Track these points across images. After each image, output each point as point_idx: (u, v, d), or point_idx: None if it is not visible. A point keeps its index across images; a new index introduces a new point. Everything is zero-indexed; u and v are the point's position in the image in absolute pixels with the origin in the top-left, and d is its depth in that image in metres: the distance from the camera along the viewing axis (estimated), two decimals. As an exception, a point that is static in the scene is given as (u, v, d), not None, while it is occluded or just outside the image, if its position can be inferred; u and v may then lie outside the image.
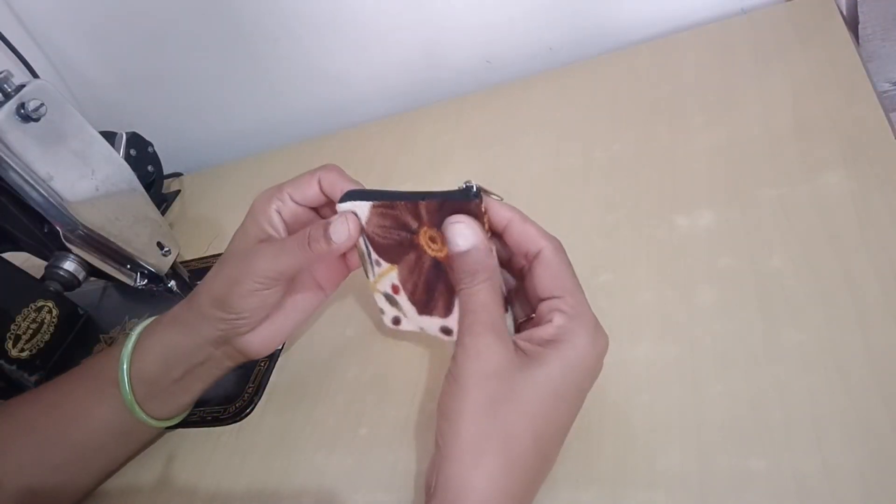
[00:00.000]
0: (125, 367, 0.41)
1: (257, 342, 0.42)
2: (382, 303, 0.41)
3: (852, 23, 0.53)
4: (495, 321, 0.32)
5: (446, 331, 0.38)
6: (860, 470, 0.29)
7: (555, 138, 0.56)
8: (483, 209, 0.33)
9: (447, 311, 0.37)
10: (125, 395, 0.41)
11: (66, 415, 0.43)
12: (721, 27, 0.57)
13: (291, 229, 0.41)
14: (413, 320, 0.40)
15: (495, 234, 0.34)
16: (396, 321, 0.41)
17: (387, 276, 0.39)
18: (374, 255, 0.38)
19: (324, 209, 0.42)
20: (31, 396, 0.45)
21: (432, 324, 0.38)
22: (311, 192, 0.40)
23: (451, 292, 0.36)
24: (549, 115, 0.59)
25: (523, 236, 0.34)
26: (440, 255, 0.35)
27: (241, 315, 0.40)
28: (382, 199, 0.36)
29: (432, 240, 0.35)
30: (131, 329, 0.43)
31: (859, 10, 0.52)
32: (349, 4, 0.67)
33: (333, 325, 0.50)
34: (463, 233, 0.33)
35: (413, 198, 0.34)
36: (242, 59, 0.74)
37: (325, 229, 0.37)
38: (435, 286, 0.36)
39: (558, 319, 0.32)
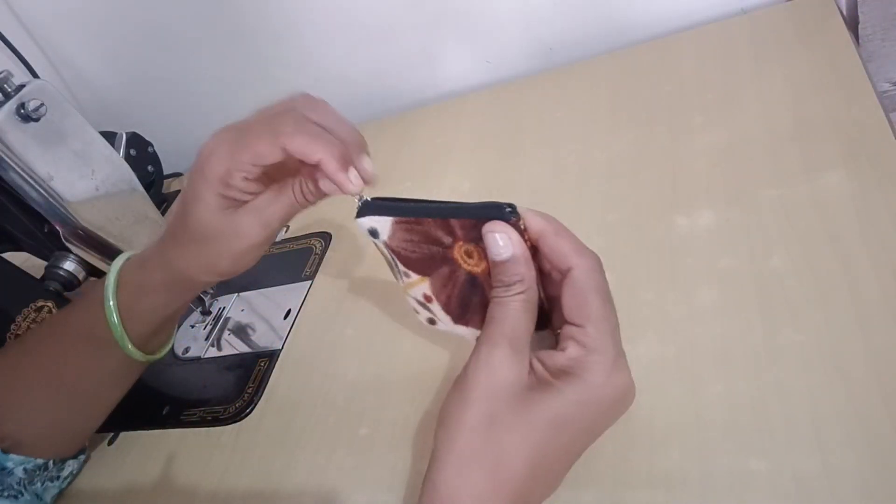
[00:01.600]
0: (116, 320, 0.41)
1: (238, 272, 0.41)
2: (415, 304, 0.38)
3: (852, 23, 0.53)
4: (517, 336, 0.31)
5: None
6: (860, 470, 0.29)
7: (555, 138, 0.56)
8: (522, 226, 0.32)
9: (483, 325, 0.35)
10: (132, 354, 0.42)
11: (74, 375, 0.43)
12: (721, 27, 0.57)
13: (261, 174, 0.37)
14: (449, 327, 0.38)
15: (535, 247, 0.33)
16: (432, 322, 0.39)
17: (417, 286, 0.37)
18: (402, 267, 0.36)
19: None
20: (32, 355, 0.44)
21: (468, 333, 0.37)
22: (275, 159, 0.34)
23: (487, 306, 0.34)
24: (549, 115, 0.59)
25: (554, 252, 0.32)
26: (477, 269, 0.34)
27: (224, 276, 0.40)
28: (406, 215, 0.34)
29: (468, 254, 0.33)
30: (102, 287, 0.42)
31: (859, 10, 0.52)
32: (349, 4, 0.67)
33: (333, 325, 0.50)
34: (501, 242, 0.31)
35: (442, 214, 0.33)
36: (243, 58, 0.74)
37: (317, 184, 0.35)
38: (470, 300, 0.35)
39: (572, 350, 0.30)
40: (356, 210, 0.35)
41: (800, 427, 0.31)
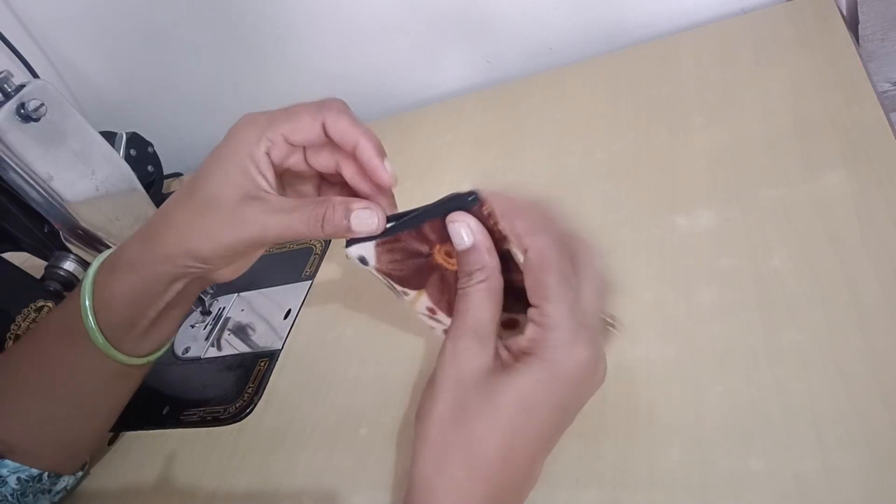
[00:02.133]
0: (92, 321, 0.38)
1: (229, 272, 0.40)
2: (426, 321, 0.38)
3: (852, 23, 0.53)
4: (481, 325, 0.31)
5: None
6: (860, 470, 0.29)
7: (555, 138, 0.56)
8: (486, 212, 0.32)
9: None
10: (102, 347, 0.39)
11: (53, 372, 0.41)
12: (721, 27, 0.57)
13: (278, 172, 0.37)
14: None
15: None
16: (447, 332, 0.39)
17: (419, 301, 0.37)
18: (399, 287, 0.37)
19: (318, 151, 0.37)
20: (19, 359, 0.43)
21: None
22: (311, 135, 0.35)
23: None
24: (549, 115, 0.59)
25: (513, 235, 0.32)
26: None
27: (220, 266, 0.38)
28: (383, 236, 0.34)
29: (448, 255, 0.34)
30: (82, 277, 0.39)
31: (859, 10, 0.52)
32: (349, 4, 0.67)
33: (333, 325, 0.50)
34: (461, 231, 0.32)
35: (414, 223, 0.33)
36: (242, 59, 0.74)
37: (348, 215, 0.33)
38: None
39: (530, 331, 0.31)
40: (345, 242, 0.35)
41: (800, 427, 0.31)
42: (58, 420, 0.43)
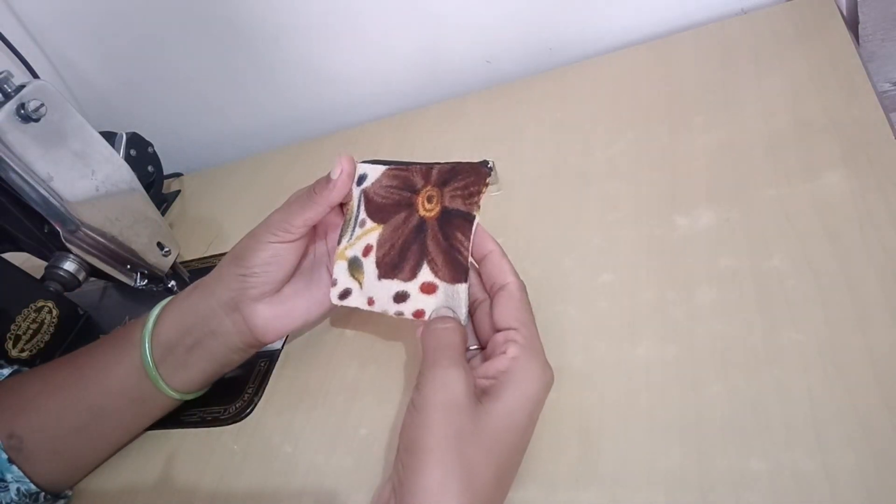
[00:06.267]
0: (149, 327, 0.43)
1: (264, 318, 0.43)
2: (341, 272, 0.43)
3: (852, 23, 0.53)
4: (461, 356, 0.35)
5: (401, 297, 0.39)
6: (860, 470, 0.29)
7: (555, 138, 0.57)
8: (486, 182, 0.38)
9: (412, 275, 0.39)
10: (143, 354, 0.43)
11: (88, 376, 0.44)
12: (721, 27, 0.57)
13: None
14: (366, 290, 0.41)
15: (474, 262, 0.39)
16: (344, 295, 0.42)
17: (364, 237, 0.42)
18: (363, 216, 0.42)
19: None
20: (65, 359, 0.46)
21: (388, 289, 0.40)
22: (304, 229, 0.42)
23: (422, 256, 0.39)
24: (549, 115, 0.59)
25: (497, 268, 0.37)
26: (429, 214, 0.39)
27: (252, 270, 0.42)
28: (401, 164, 0.42)
29: (429, 199, 0.39)
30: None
31: (859, 10, 0.52)
32: (349, 4, 0.67)
33: (333, 326, 0.50)
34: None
35: (429, 164, 0.41)
36: (242, 59, 0.74)
37: (325, 178, 0.42)
38: (410, 246, 0.40)
39: (512, 350, 0.34)
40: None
41: (800, 427, 0.31)
42: (72, 429, 0.44)
